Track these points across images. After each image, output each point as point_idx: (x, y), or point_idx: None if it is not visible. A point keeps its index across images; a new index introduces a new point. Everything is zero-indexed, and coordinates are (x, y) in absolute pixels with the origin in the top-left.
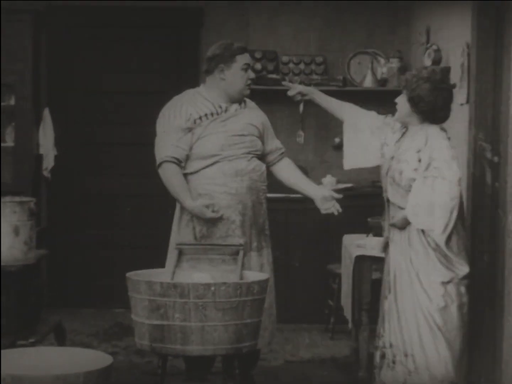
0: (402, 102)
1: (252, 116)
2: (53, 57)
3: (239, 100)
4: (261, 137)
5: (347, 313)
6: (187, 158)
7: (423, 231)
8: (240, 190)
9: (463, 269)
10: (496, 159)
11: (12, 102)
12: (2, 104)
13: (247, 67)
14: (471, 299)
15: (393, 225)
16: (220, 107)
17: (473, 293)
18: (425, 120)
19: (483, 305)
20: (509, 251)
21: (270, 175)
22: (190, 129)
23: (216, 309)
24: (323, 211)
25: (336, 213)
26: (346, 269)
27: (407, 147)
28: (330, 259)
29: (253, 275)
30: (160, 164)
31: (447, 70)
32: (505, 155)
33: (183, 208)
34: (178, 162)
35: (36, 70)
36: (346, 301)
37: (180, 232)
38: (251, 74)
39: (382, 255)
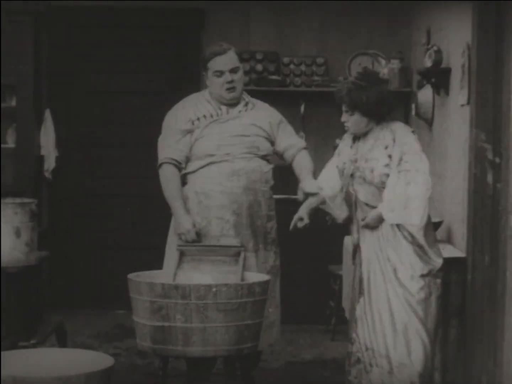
0: (356, 120)
1: (258, 117)
2: (54, 58)
3: (228, 105)
4: (270, 137)
5: (348, 314)
6: (187, 159)
7: (397, 226)
8: (235, 190)
9: (438, 261)
10: (497, 160)
11: (13, 103)
12: (3, 105)
13: (219, 74)
14: (471, 300)
15: (366, 226)
16: (220, 109)
17: (472, 294)
18: (381, 121)
19: (483, 307)
20: (510, 253)
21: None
22: (189, 131)
23: (217, 310)
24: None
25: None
26: (347, 270)
27: (371, 146)
28: (331, 260)
29: (255, 276)
30: (160, 165)
31: (446, 72)
32: (506, 156)
33: None
34: (177, 164)
35: (37, 71)
36: (347, 302)
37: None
38: (227, 78)
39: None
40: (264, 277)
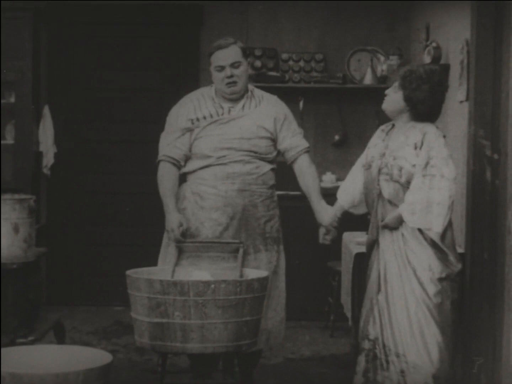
0: (396, 98)
1: (262, 115)
2: (53, 54)
3: (230, 101)
4: (272, 135)
5: (347, 310)
6: (187, 158)
7: (419, 228)
8: (230, 193)
9: (458, 265)
10: (496, 156)
11: (12, 99)
12: (2, 101)
13: (219, 69)
14: (470, 297)
15: (385, 226)
16: (222, 108)
17: (471, 290)
18: (417, 119)
19: (482, 303)
20: (509, 249)
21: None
22: (188, 130)
23: (216, 307)
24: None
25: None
26: (346, 267)
27: (401, 144)
28: (330, 256)
29: (253, 273)
30: (158, 162)
31: (445, 69)
32: (505, 152)
33: (179, 208)
34: (175, 162)
35: (36, 67)
36: (346, 298)
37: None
38: (227, 72)
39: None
40: (263, 273)
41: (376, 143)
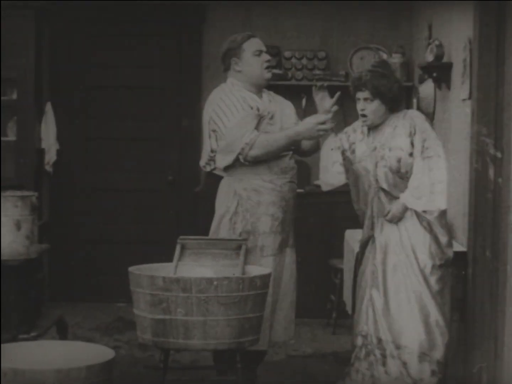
0: (374, 106)
1: (283, 107)
2: (55, 51)
3: (263, 87)
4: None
5: (349, 308)
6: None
7: (418, 217)
8: (284, 187)
9: (451, 250)
10: (499, 154)
11: (14, 96)
12: (4, 98)
13: (258, 53)
14: (472, 294)
15: (392, 219)
16: (256, 100)
17: (473, 288)
18: (392, 110)
19: (485, 300)
20: (511, 247)
21: None
22: (260, 116)
23: (218, 304)
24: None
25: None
26: (348, 264)
27: (390, 134)
28: (332, 254)
29: (256, 270)
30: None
31: (447, 67)
32: (508, 151)
33: (227, 205)
34: None
35: (38, 64)
36: (348, 296)
37: (220, 227)
38: (266, 57)
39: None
40: (265, 270)
41: (359, 139)
